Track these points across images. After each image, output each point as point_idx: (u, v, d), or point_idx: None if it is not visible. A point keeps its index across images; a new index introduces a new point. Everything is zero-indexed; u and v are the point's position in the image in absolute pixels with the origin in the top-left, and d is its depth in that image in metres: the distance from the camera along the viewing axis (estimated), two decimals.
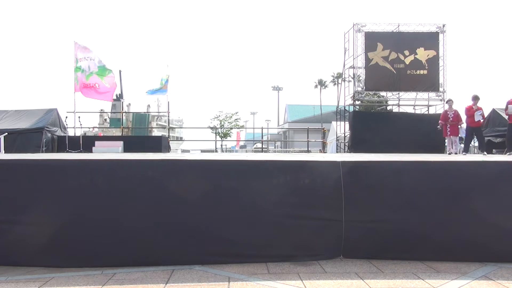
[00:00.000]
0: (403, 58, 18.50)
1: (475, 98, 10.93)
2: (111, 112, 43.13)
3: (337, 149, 21.36)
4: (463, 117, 11.36)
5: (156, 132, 40.94)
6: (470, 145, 12.07)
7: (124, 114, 34.11)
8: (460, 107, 11.79)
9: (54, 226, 3.86)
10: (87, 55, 15.04)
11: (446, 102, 11.84)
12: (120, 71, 49.16)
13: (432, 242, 4.01)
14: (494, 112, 15.45)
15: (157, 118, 51.93)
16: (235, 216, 3.99)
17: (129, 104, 46.26)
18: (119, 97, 45.92)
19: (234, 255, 3.93)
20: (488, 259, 3.95)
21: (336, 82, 52.51)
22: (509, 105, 9.80)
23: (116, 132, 32.16)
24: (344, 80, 22.73)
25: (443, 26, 18.76)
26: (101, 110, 42.15)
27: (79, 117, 16.12)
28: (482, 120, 11.08)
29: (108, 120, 44.28)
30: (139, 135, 30.56)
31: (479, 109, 10.91)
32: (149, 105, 49.37)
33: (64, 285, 3.34)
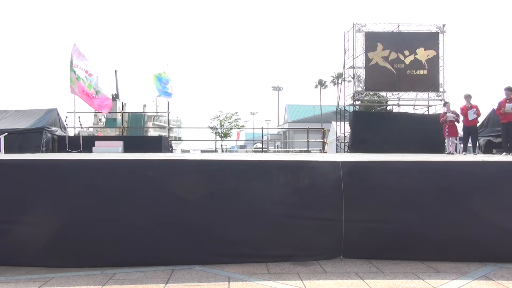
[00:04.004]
0: (403, 58, 18.51)
1: (467, 97, 10.95)
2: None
3: (337, 149, 21.37)
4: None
5: (152, 132, 40.92)
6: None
7: (119, 114, 34.09)
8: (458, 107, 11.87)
9: (54, 226, 3.86)
10: (86, 67, 14.55)
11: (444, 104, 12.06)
12: (115, 71, 49.27)
13: (432, 242, 4.01)
14: (494, 112, 15.44)
15: (154, 118, 51.86)
16: (235, 216, 3.98)
17: (125, 104, 46.21)
18: (115, 97, 45.89)
19: (234, 255, 3.92)
20: (488, 259, 3.95)
21: (336, 82, 52.51)
22: (507, 104, 9.79)
23: (111, 132, 32.10)
24: (344, 80, 22.75)
25: (443, 26, 18.77)
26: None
27: (79, 117, 16.16)
28: (476, 117, 11.08)
29: (102, 120, 44.23)
30: (135, 135, 30.51)
31: (473, 107, 10.90)
32: (145, 105, 49.40)
33: (64, 285, 3.34)
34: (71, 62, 14.34)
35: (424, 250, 4.01)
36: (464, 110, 10.99)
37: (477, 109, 10.99)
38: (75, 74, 14.24)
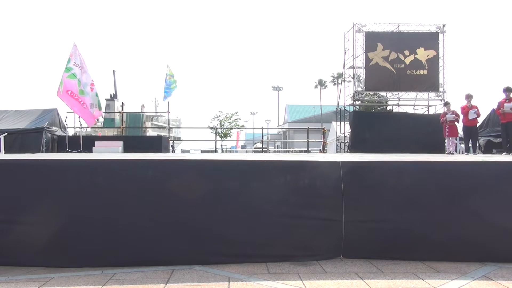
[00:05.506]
0: (403, 58, 18.53)
1: (468, 97, 10.98)
2: (105, 112, 43.21)
3: (337, 149, 21.38)
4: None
5: (151, 132, 40.94)
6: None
7: (117, 114, 34.16)
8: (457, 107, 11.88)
9: (54, 226, 3.86)
10: (83, 70, 14.12)
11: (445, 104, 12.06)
12: (114, 71, 49.31)
13: (432, 242, 4.01)
14: (494, 112, 15.44)
15: (152, 118, 51.81)
16: (235, 216, 3.99)
17: (123, 103, 46.25)
18: (113, 97, 45.88)
19: (234, 255, 3.93)
20: (488, 259, 3.95)
21: (336, 82, 52.54)
22: (505, 104, 9.80)
23: (109, 132, 32.09)
24: (344, 80, 22.78)
25: (443, 26, 18.79)
26: None
27: (79, 117, 16.13)
28: (476, 118, 11.10)
29: (100, 120, 44.30)
30: (133, 135, 30.51)
31: (474, 107, 10.93)
32: (143, 105, 49.38)
33: (64, 285, 3.34)
34: (69, 61, 14.05)
35: (424, 250, 4.01)
36: (465, 110, 11.00)
37: (478, 110, 11.02)
38: (69, 71, 13.84)
